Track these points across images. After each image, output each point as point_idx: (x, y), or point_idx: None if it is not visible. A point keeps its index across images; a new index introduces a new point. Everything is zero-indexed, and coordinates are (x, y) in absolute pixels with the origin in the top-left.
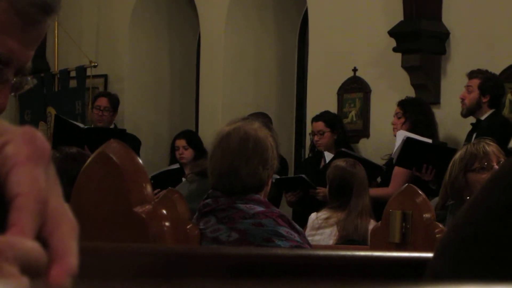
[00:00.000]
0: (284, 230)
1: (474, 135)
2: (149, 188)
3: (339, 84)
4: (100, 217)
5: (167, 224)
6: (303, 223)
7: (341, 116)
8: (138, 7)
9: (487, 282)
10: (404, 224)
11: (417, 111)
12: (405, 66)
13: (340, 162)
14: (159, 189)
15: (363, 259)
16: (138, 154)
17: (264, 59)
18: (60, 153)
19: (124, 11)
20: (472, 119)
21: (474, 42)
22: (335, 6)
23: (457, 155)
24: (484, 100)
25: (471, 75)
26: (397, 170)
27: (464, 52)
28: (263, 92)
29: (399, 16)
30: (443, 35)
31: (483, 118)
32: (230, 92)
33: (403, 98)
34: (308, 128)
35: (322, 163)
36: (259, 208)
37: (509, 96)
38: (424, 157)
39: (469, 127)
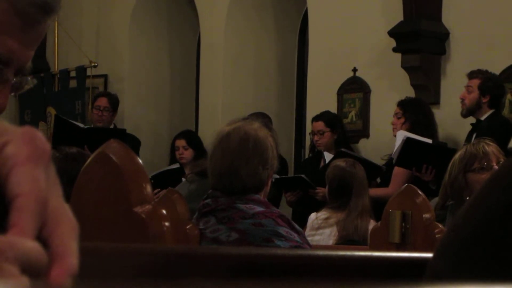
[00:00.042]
0: (283, 230)
1: (474, 135)
2: (149, 188)
3: (339, 84)
4: (100, 217)
5: (167, 224)
6: (303, 223)
7: (341, 116)
8: (138, 7)
9: (487, 282)
10: (404, 224)
11: (416, 111)
12: (405, 66)
13: (340, 162)
14: (159, 189)
15: (362, 259)
16: (138, 154)
17: (264, 59)
18: (60, 153)
19: (124, 11)
20: (472, 119)
21: (474, 42)
22: (335, 6)
23: (456, 155)
24: (484, 100)
25: (471, 75)
26: (397, 170)
27: (464, 52)
28: (263, 92)
29: (399, 16)
30: (443, 35)
31: (483, 118)
32: (230, 92)
33: (403, 98)
34: (308, 128)
35: (322, 163)
36: (259, 208)
37: (509, 96)
38: (424, 157)
39: (469, 127)
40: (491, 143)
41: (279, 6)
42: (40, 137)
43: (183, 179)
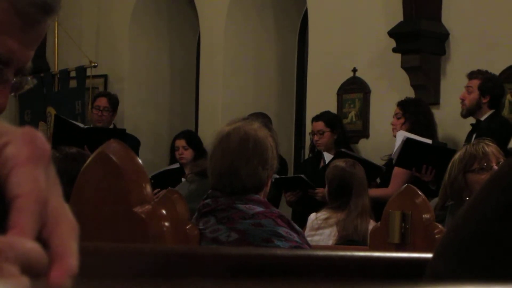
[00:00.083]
0: (283, 230)
1: (474, 136)
2: (148, 188)
3: (339, 85)
4: (100, 217)
5: (166, 224)
6: (303, 223)
7: (340, 117)
8: (138, 7)
9: (487, 283)
10: (403, 225)
11: (416, 112)
12: (405, 67)
13: (340, 163)
14: (159, 189)
15: (362, 259)
16: (137, 154)
17: (264, 59)
18: (60, 153)
19: (124, 11)
20: (471, 120)
21: (474, 43)
22: (335, 6)
23: (456, 156)
24: (484, 100)
25: (471, 75)
26: (397, 171)
27: (464, 52)
28: (263, 92)
29: (399, 17)
30: (443, 36)
31: (482, 118)
32: (230, 92)
33: (403, 98)
34: (308, 128)
35: (322, 164)
36: (259, 209)
37: (508, 96)
38: (424, 158)
39: (469, 128)
40: (490, 144)
41: (279, 6)
42: (40, 137)
43: (183, 179)
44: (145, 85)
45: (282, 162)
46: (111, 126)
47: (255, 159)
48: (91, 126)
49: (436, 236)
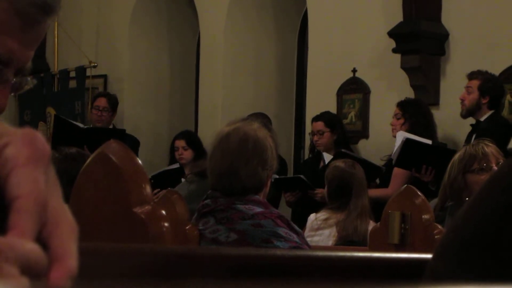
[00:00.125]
0: (283, 231)
1: (474, 136)
2: (148, 189)
3: (339, 85)
4: (100, 217)
5: (166, 224)
6: (302, 223)
7: (340, 117)
8: (138, 7)
9: (486, 283)
10: (403, 225)
11: (416, 112)
12: (405, 67)
13: (339, 163)
14: (159, 189)
15: (362, 260)
16: (137, 155)
17: (264, 59)
18: (59, 153)
19: (124, 11)
20: (471, 120)
21: (474, 43)
22: (335, 7)
23: (456, 156)
24: (484, 101)
25: (471, 76)
26: (397, 171)
27: (464, 53)
28: (262, 92)
29: (398, 17)
30: (443, 36)
31: (482, 119)
32: (230, 92)
33: (403, 99)
34: (308, 129)
35: (321, 164)
36: (258, 209)
37: (508, 97)
38: (424, 158)
39: (469, 128)
40: (490, 144)
41: (279, 6)
42: (40, 138)
43: (183, 180)
44: (145, 85)
45: (281, 162)
46: (111, 126)
47: (254, 159)
48: (91, 126)
49: (436, 236)
